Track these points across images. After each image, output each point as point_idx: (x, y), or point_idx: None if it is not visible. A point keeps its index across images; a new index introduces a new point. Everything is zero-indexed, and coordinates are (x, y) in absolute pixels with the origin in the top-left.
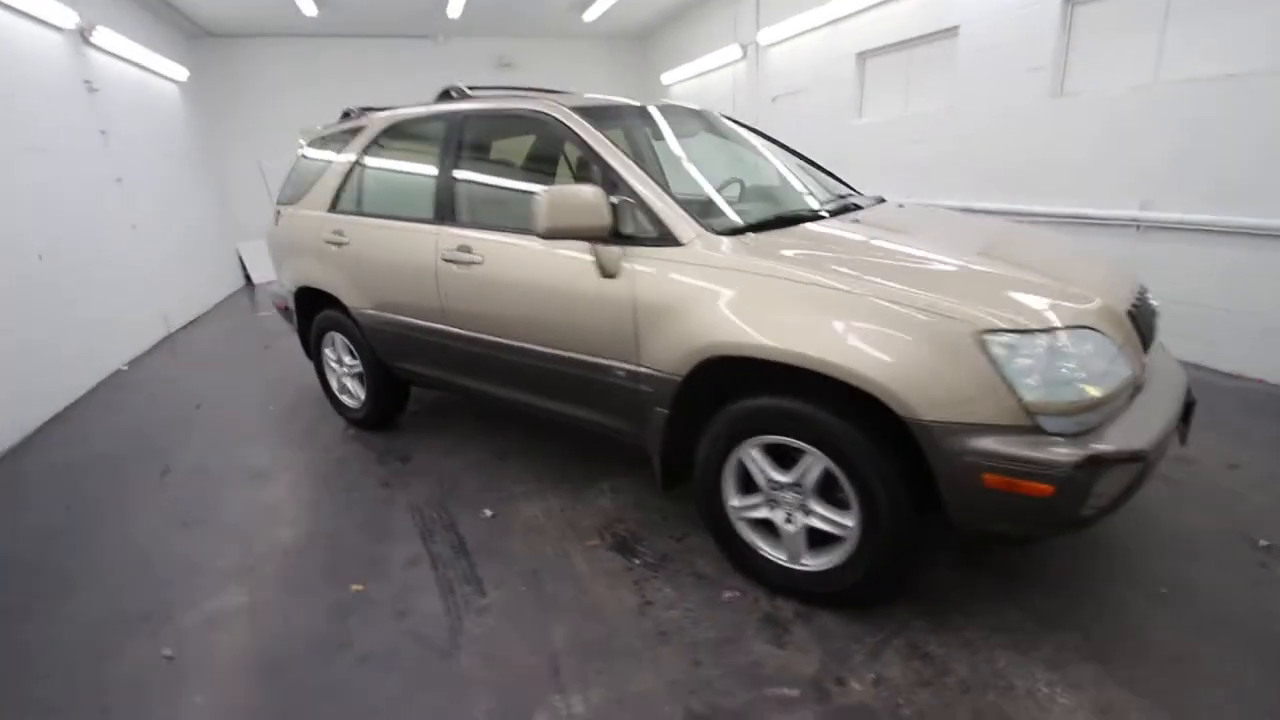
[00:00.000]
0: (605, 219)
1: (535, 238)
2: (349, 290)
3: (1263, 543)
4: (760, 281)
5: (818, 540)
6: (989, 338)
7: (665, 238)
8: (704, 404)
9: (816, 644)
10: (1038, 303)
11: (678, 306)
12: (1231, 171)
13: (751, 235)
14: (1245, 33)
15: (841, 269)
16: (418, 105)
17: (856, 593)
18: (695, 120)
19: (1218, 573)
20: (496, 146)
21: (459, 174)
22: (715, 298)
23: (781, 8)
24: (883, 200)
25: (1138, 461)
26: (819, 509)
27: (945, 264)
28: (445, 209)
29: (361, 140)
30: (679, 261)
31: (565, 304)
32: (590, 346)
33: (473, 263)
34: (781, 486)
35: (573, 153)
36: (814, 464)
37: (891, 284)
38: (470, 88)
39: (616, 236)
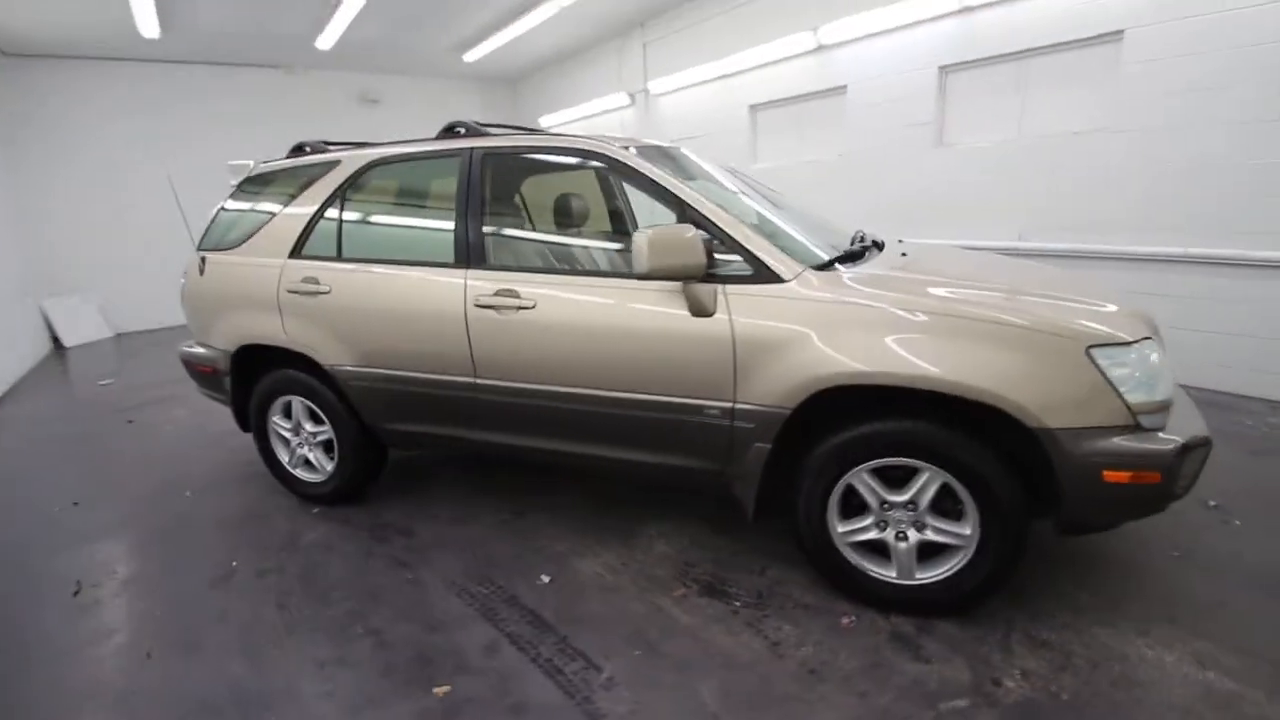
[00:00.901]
0: (703, 258)
1: (599, 279)
2: (325, 346)
3: (1211, 503)
4: (873, 312)
5: (925, 554)
6: (1095, 350)
7: (761, 275)
8: (799, 436)
9: (953, 652)
10: (1108, 320)
11: (788, 341)
12: (1084, 207)
13: (840, 269)
14: (1083, 100)
15: (939, 298)
16: (401, 141)
17: (975, 596)
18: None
19: (1197, 532)
20: (531, 186)
21: (491, 215)
22: (831, 331)
23: (670, 60)
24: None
25: (1208, 445)
26: (935, 523)
27: (1011, 291)
28: (473, 252)
29: (334, 178)
30: (784, 298)
31: (646, 345)
32: (675, 387)
33: (520, 308)
34: (894, 506)
35: (612, 192)
36: (931, 480)
37: (990, 310)
38: (479, 124)
39: (708, 276)
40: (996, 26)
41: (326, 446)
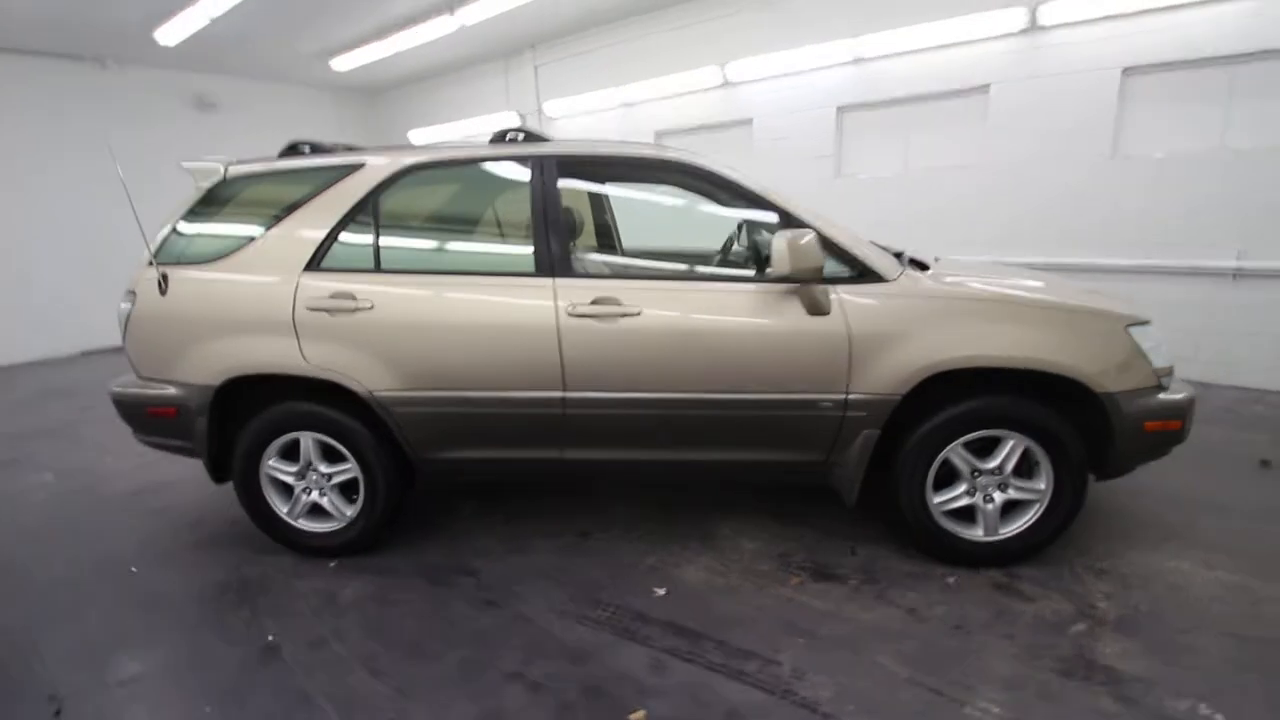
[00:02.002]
0: (823, 261)
1: (703, 283)
2: (363, 369)
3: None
4: (966, 305)
5: (1004, 511)
6: (1132, 329)
7: (866, 275)
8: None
9: (1046, 590)
10: (1125, 305)
11: (900, 334)
12: (962, 227)
13: (919, 272)
14: (959, 139)
15: (1014, 293)
16: (434, 146)
17: (1043, 544)
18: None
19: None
20: (608, 193)
21: (568, 224)
22: (937, 322)
23: (566, 83)
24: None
25: (1194, 400)
26: (1018, 483)
27: (1053, 289)
28: (557, 261)
29: (360, 183)
30: (891, 295)
31: (763, 346)
32: (791, 384)
33: (624, 315)
34: (982, 473)
35: (601, 207)
36: (1016, 446)
37: (1056, 300)
38: (528, 133)
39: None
40: (886, 76)
41: (345, 488)
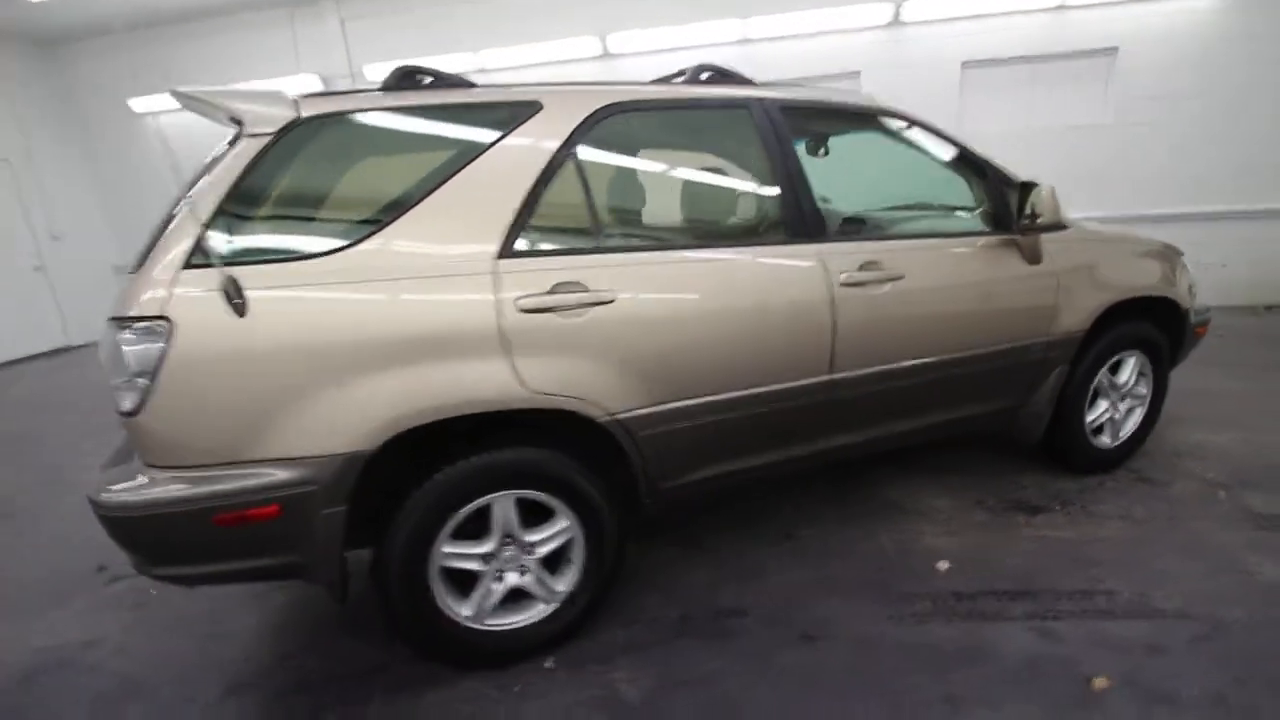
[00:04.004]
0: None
1: (944, 240)
2: (606, 385)
3: None
4: (1115, 248)
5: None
6: (1181, 258)
7: (1053, 224)
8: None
9: (1171, 475)
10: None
11: (1086, 277)
12: None
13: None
14: None
15: (1133, 237)
16: (642, 83)
17: (1144, 438)
18: None
19: None
20: (833, 146)
21: (821, 178)
22: (1105, 263)
23: (396, 44)
24: None
25: None
26: (1138, 389)
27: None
28: (811, 223)
29: (545, 129)
30: (1074, 240)
31: (1003, 297)
32: (1015, 333)
33: (889, 279)
34: (1117, 388)
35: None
36: (1135, 363)
37: (1154, 242)
38: (717, 70)
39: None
40: (770, 58)
41: (549, 559)
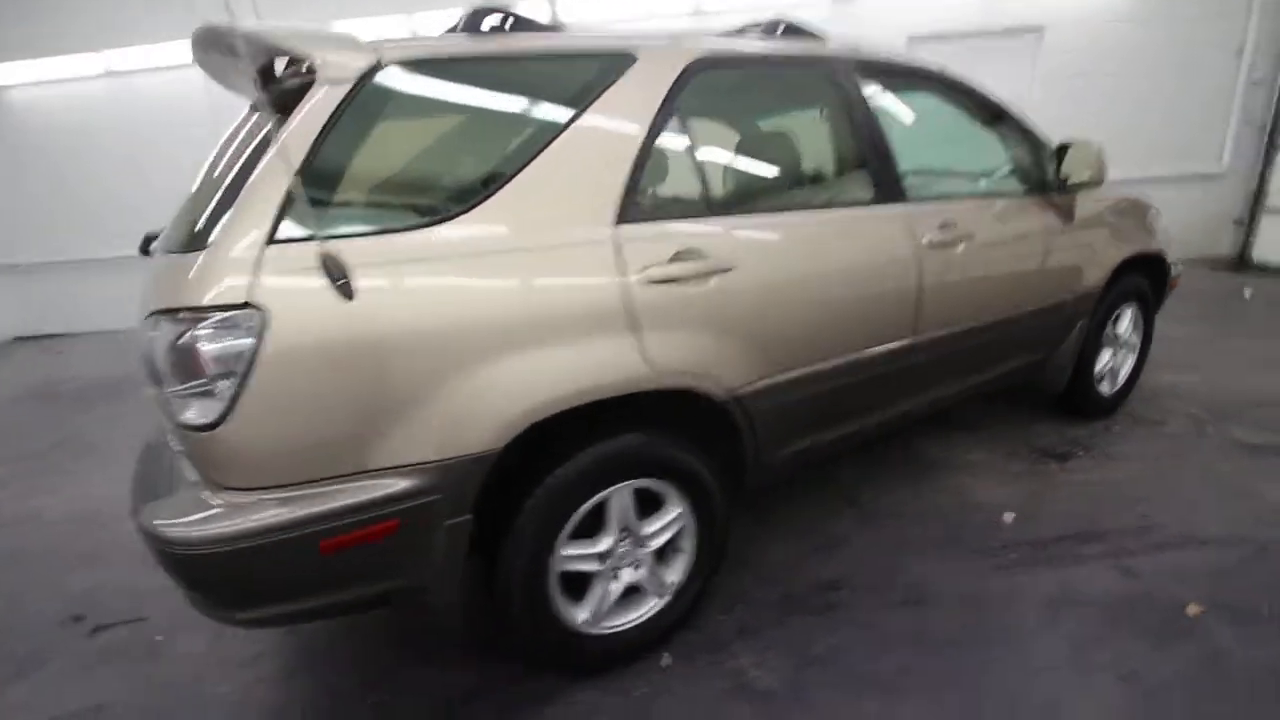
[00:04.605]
0: None
1: (1000, 199)
2: (726, 359)
3: None
4: (1122, 204)
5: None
6: (1156, 212)
7: (1094, 183)
8: None
9: (1163, 414)
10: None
11: (1105, 235)
12: None
13: None
14: None
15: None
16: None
17: (1135, 382)
18: None
19: None
20: (891, 104)
21: (909, 139)
22: (1117, 222)
23: (322, 4)
24: None
25: None
26: (1131, 338)
27: None
28: (893, 183)
29: (643, 83)
30: (1095, 200)
31: (1044, 255)
32: (1050, 291)
33: (962, 239)
34: (1118, 338)
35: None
36: (1131, 313)
37: (1133, 197)
38: (791, 26)
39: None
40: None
41: (659, 555)
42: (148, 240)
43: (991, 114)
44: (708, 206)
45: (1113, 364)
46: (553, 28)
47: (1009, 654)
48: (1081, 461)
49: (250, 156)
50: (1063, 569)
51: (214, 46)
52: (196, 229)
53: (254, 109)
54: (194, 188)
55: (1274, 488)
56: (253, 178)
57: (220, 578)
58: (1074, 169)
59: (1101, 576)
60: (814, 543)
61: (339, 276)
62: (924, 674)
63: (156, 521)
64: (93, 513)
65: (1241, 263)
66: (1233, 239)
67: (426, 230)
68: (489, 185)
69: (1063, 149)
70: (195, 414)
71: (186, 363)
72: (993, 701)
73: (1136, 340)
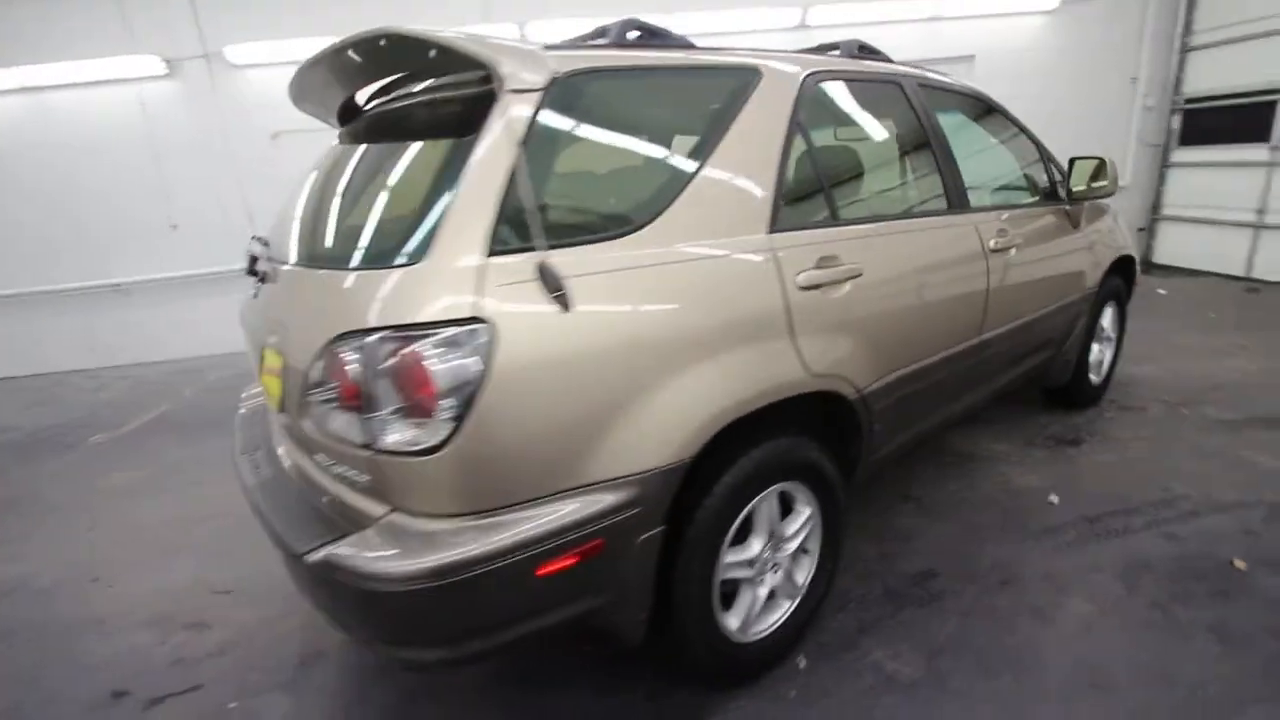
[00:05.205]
0: None
1: (1034, 209)
2: (857, 362)
3: None
4: (1105, 211)
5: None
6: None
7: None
8: None
9: (1145, 400)
10: None
11: (1100, 240)
12: None
13: None
14: None
15: None
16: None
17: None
18: None
19: None
20: (944, 123)
21: (958, 153)
22: (1106, 228)
23: (273, 19)
24: None
25: None
26: (1111, 335)
27: None
28: (959, 193)
29: (772, 97)
30: (1091, 208)
31: (1066, 258)
32: (1067, 290)
33: (1013, 245)
34: (1105, 331)
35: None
36: (1113, 310)
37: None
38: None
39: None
40: None
41: (795, 557)
42: (255, 259)
43: (1015, 130)
44: (832, 215)
45: (1099, 356)
46: (687, 43)
47: (1109, 621)
48: (1092, 445)
49: (417, 167)
50: (1118, 541)
51: (363, 54)
52: (366, 244)
53: (351, 128)
54: (300, 204)
55: (1262, 456)
56: (461, 187)
57: (438, 613)
58: (1088, 180)
59: (1152, 545)
60: (889, 538)
61: (556, 288)
62: (1043, 646)
63: (369, 559)
64: (80, 575)
65: (1147, 265)
66: (1137, 245)
67: (619, 240)
68: (666, 195)
69: (1073, 162)
70: (413, 437)
71: (406, 383)
72: (1120, 664)
73: (1114, 334)
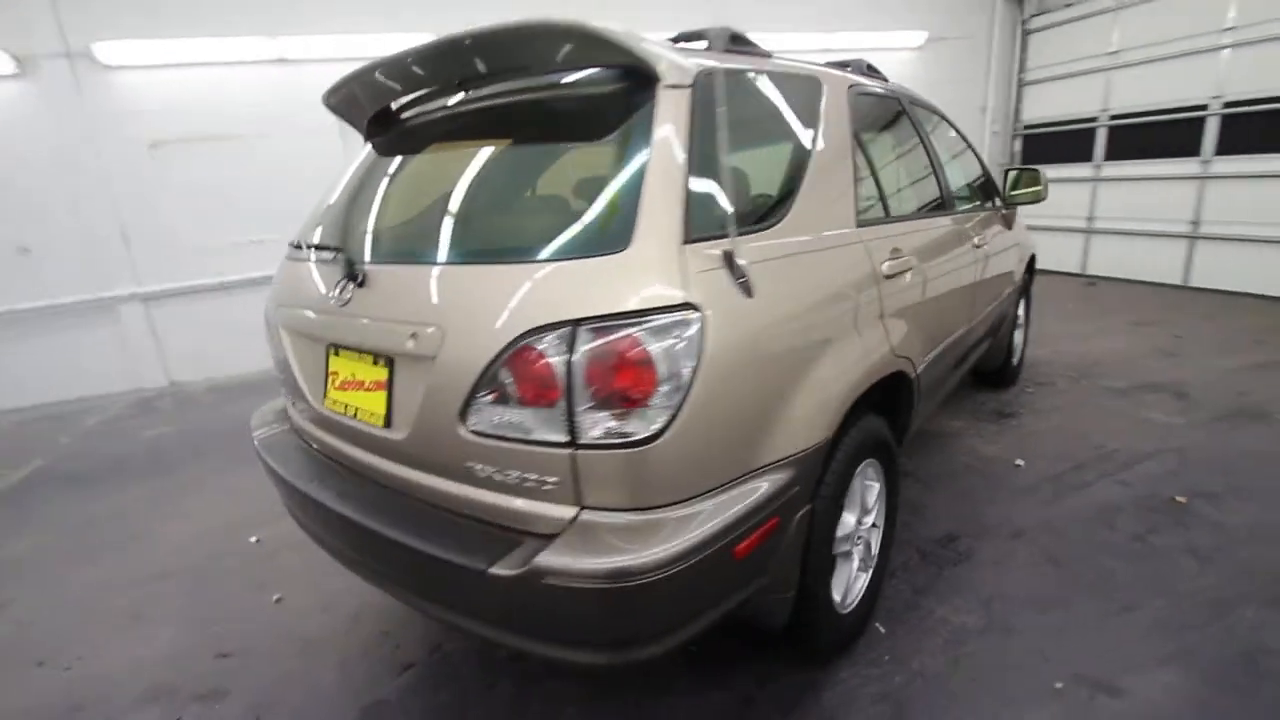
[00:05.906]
0: None
1: (985, 212)
2: (916, 343)
3: None
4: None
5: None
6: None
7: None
8: None
9: (1069, 384)
10: None
11: (1020, 239)
12: None
13: None
14: None
15: None
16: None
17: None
18: None
19: None
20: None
21: (940, 159)
22: (1021, 230)
23: (150, 20)
24: None
25: None
26: (1021, 327)
27: None
28: (947, 196)
29: (834, 104)
30: (1015, 214)
31: (1010, 254)
32: (1008, 284)
33: (984, 243)
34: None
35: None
36: (1022, 301)
37: None
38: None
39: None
40: None
41: (865, 537)
42: (351, 263)
43: (964, 143)
44: (885, 211)
45: (1018, 341)
46: (766, 52)
47: (1108, 556)
48: (1024, 418)
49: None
50: (1086, 492)
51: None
52: (548, 237)
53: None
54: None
55: (1154, 413)
56: (649, 176)
57: (662, 605)
58: (1022, 188)
59: (1112, 492)
60: (902, 510)
61: (740, 274)
62: (1073, 581)
63: (598, 561)
64: (27, 659)
65: None
66: None
67: (772, 229)
68: (792, 189)
69: (1007, 172)
70: (629, 429)
71: (624, 372)
72: (1133, 588)
73: (1023, 323)
